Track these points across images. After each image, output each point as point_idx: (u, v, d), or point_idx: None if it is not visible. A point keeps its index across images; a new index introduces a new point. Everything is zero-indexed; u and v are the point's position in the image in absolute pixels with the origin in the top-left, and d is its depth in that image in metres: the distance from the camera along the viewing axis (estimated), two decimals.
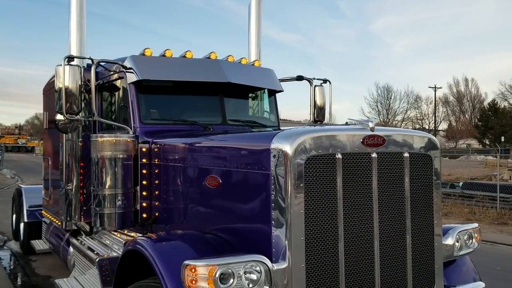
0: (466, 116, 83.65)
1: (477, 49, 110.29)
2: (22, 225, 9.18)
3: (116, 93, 5.27)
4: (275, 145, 3.00)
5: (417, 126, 78.87)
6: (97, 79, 5.21)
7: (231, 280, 2.76)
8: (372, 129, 3.21)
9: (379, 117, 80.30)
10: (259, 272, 2.81)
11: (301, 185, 2.93)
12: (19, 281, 7.30)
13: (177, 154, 4.25)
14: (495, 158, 35.82)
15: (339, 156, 3.06)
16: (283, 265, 2.88)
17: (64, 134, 5.65)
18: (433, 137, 3.63)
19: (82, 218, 5.63)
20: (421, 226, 3.44)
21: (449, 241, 3.74)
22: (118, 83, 5.16)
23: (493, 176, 25.56)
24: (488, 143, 54.89)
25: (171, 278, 2.91)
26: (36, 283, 7.26)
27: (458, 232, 3.82)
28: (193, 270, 2.74)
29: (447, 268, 3.75)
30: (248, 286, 2.79)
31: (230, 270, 2.76)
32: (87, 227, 5.73)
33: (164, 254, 3.14)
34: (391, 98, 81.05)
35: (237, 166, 3.38)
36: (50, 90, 6.58)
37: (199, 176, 3.86)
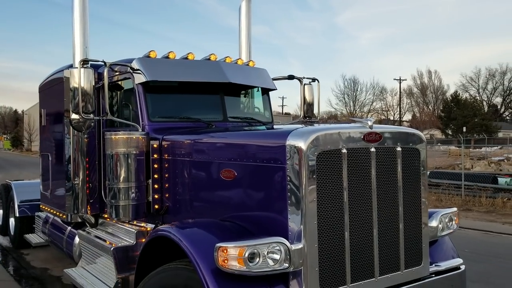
0: (430, 107, 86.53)
1: (440, 41, 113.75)
2: (12, 220, 9.33)
3: (122, 93, 5.58)
4: (290, 141, 3.45)
5: (383, 117, 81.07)
6: (100, 79, 5.53)
7: (257, 259, 3.20)
8: (371, 127, 3.70)
9: (346, 109, 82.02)
10: (280, 252, 3.26)
11: (314, 176, 3.40)
12: (17, 274, 7.51)
13: (189, 149, 4.64)
14: (458, 148, 37.48)
15: (344, 150, 3.54)
16: (299, 245, 3.34)
17: (68, 131, 5.94)
18: (420, 133, 4.16)
19: (89, 211, 5.94)
20: (411, 210, 3.97)
21: (434, 223, 4.29)
22: (124, 83, 5.48)
23: (457, 165, 26.85)
24: (450, 133, 57.02)
25: (203, 259, 3.32)
26: (35, 275, 7.50)
27: (441, 216, 4.38)
28: (225, 251, 3.17)
29: (431, 247, 4.28)
30: (271, 264, 3.24)
31: (256, 251, 3.20)
32: (93, 219, 6.04)
33: (193, 239, 3.55)
34: (357, 90, 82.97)
35: (253, 160, 3.81)
36: (49, 88, 6.80)
37: (214, 169, 4.26)
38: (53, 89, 6.56)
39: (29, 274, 7.54)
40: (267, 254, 3.23)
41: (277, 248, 3.26)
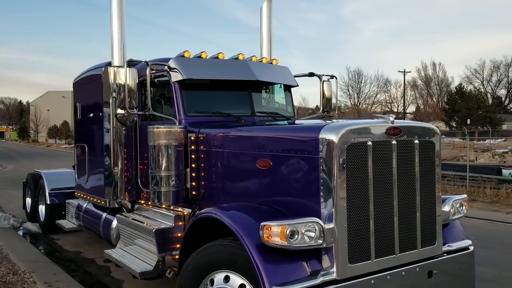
0: (434, 99, 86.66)
1: (444, 33, 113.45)
2: (43, 207, 9.90)
3: (158, 89, 6.06)
4: (323, 135, 3.95)
5: (386, 109, 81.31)
6: (139, 77, 6.02)
7: (296, 236, 3.72)
8: (392, 122, 4.19)
9: (350, 101, 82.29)
10: (315, 230, 3.77)
11: (344, 166, 3.90)
12: (53, 256, 8.07)
13: (225, 141, 5.16)
14: (462, 140, 37.88)
15: (369, 143, 4.04)
16: (331, 225, 3.85)
17: (107, 124, 6.47)
18: (435, 127, 4.65)
19: (127, 197, 6.47)
20: (426, 196, 4.46)
21: (446, 208, 4.80)
22: (161, 80, 5.96)
23: (461, 157, 27.31)
24: (454, 125, 57.24)
25: (248, 235, 3.84)
26: (69, 257, 8.07)
27: (453, 201, 4.89)
28: (269, 229, 3.68)
29: (443, 230, 4.78)
30: (308, 240, 3.75)
31: (295, 229, 3.71)
32: (129, 205, 6.58)
33: (237, 219, 4.07)
34: (361, 82, 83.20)
35: (288, 151, 4.32)
36: (86, 83, 7.32)
37: (250, 159, 4.77)
38: (90, 85, 7.07)
39: (63, 257, 8.11)
40: (304, 232, 3.75)
41: (313, 227, 3.77)
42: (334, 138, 3.89)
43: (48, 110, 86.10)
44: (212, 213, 4.28)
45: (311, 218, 3.83)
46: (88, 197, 7.36)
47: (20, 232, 10.14)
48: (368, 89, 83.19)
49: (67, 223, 8.82)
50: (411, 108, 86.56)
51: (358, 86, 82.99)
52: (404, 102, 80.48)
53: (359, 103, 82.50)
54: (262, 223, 3.72)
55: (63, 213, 9.37)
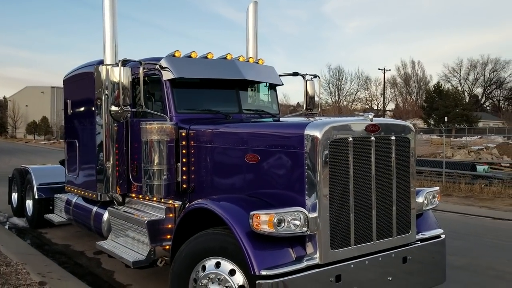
0: (413, 97, 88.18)
1: (424, 32, 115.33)
2: (30, 202, 10.04)
3: (150, 87, 6.30)
4: (308, 131, 4.28)
5: (367, 107, 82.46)
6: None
7: (283, 224, 4.05)
8: (371, 120, 4.55)
9: (331, 98, 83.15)
10: (300, 219, 4.11)
11: (327, 160, 4.24)
12: (43, 249, 8.24)
13: (215, 137, 5.46)
14: (439, 137, 38.79)
15: (350, 139, 4.39)
16: (314, 214, 4.20)
17: (99, 120, 6.70)
18: (410, 125, 5.03)
19: (118, 191, 6.72)
20: (402, 188, 4.84)
21: (420, 199, 5.19)
22: (152, 79, 6.20)
23: (438, 154, 28.05)
24: (432, 123, 58.45)
25: (238, 224, 4.15)
26: (59, 250, 8.26)
27: (426, 193, 5.28)
28: (258, 217, 4.00)
29: (417, 219, 5.16)
30: (293, 228, 4.09)
31: (282, 217, 4.04)
32: (120, 198, 6.83)
33: (228, 209, 4.38)
34: (342, 80, 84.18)
35: (275, 146, 4.65)
36: (77, 81, 7.52)
37: (239, 154, 5.08)
38: (82, 82, 7.28)
39: (53, 250, 8.29)
40: (290, 220, 4.08)
41: (298, 215, 4.11)
42: (318, 134, 4.23)
43: (26, 105, 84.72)
44: (205, 204, 4.58)
45: (297, 207, 4.17)
46: (79, 191, 7.57)
47: (7, 227, 10.25)
48: (349, 86, 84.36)
49: (56, 217, 8.99)
50: (391, 106, 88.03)
51: (339, 83, 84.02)
52: (384, 100, 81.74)
53: (340, 101, 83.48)
54: (252, 212, 4.04)
55: (51, 207, 9.54)
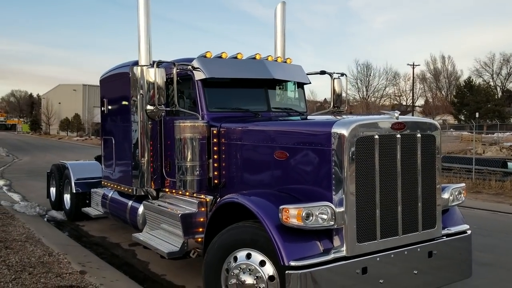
0: (443, 92, 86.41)
1: (453, 25, 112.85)
2: (67, 196, 10.52)
3: (180, 87, 6.56)
4: (335, 129, 4.46)
5: (395, 103, 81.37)
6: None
7: (311, 218, 4.25)
8: (397, 118, 4.69)
9: (358, 94, 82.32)
10: (327, 213, 4.30)
11: (353, 157, 4.41)
12: (81, 241, 8.67)
13: (245, 135, 5.69)
14: (470, 134, 38.12)
15: (376, 136, 4.54)
16: (341, 209, 4.38)
17: (134, 118, 7.03)
18: (436, 122, 5.15)
19: (152, 186, 7.05)
20: (428, 185, 4.96)
21: (446, 195, 5.30)
22: (184, 79, 6.47)
23: (468, 150, 27.64)
24: (463, 118, 57.35)
25: (268, 217, 4.37)
26: (96, 241, 8.67)
27: (452, 189, 5.38)
28: (287, 211, 4.21)
29: (443, 215, 5.28)
30: (321, 221, 4.28)
31: (310, 211, 4.24)
32: (155, 193, 7.15)
33: (258, 203, 4.61)
34: (370, 75, 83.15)
35: (303, 144, 4.84)
36: (113, 81, 7.87)
37: (268, 151, 5.30)
38: (117, 82, 7.62)
39: (90, 241, 8.71)
40: (318, 214, 4.28)
41: (325, 210, 4.30)
42: (345, 132, 4.41)
43: (59, 103, 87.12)
44: (236, 199, 4.82)
45: (324, 202, 4.37)
46: (116, 186, 7.94)
47: (46, 219, 10.76)
48: (377, 82, 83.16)
49: (93, 210, 9.43)
50: (420, 102, 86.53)
51: (367, 79, 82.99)
52: (413, 96, 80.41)
53: (368, 97, 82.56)
54: (281, 206, 4.25)
55: (87, 201, 9.99)
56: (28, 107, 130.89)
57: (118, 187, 7.81)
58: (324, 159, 4.57)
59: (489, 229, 9.43)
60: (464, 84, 63.31)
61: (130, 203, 7.61)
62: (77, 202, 10.04)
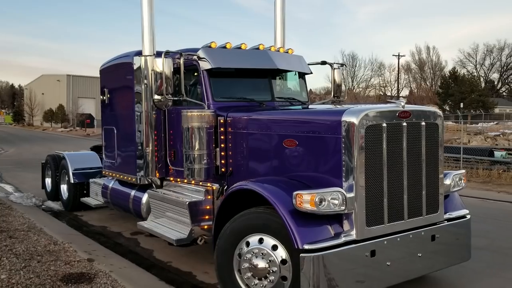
0: (427, 83, 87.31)
1: (438, 16, 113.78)
2: (64, 186, 10.54)
3: (185, 76, 6.63)
4: (345, 118, 4.61)
5: (380, 93, 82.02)
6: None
7: (324, 203, 4.40)
8: (403, 107, 4.85)
9: (344, 85, 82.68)
10: (339, 198, 4.46)
11: (363, 144, 4.57)
12: (82, 230, 8.72)
13: (253, 123, 5.81)
14: (455, 123, 38.74)
15: (384, 125, 4.70)
16: (352, 194, 4.54)
17: (139, 108, 7.09)
18: (439, 111, 5.33)
19: (157, 174, 7.13)
20: (431, 171, 5.16)
21: (447, 181, 5.51)
22: (189, 68, 6.54)
23: (454, 140, 28.13)
24: (448, 109, 58.11)
25: (281, 203, 4.51)
26: (97, 231, 8.74)
27: (453, 175, 5.60)
28: (301, 197, 4.36)
29: (445, 200, 5.48)
30: (333, 206, 4.44)
31: (323, 197, 4.40)
32: (159, 182, 7.24)
33: (271, 189, 4.74)
34: (356, 66, 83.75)
35: (313, 132, 4.98)
36: (115, 70, 7.90)
37: (277, 140, 5.43)
38: (119, 72, 7.65)
39: (91, 231, 8.77)
40: (330, 199, 4.44)
41: (337, 195, 4.46)
42: (355, 120, 4.56)
43: (42, 93, 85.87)
44: (247, 186, 4.95)
45: (336, 188, 4.53)
46: (118, 175, 7.99)
47: (43, 210, 10.76)
48: (363, 73, 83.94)
49: (93, 200, 9.47)
50: (405, 92, 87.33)
51: (353, 70, 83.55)
52: (398, 86, 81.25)
53: (353, 87, 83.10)
54: (295, 192, 4.40)
55: (85, 191, 10.02)
56: (10, 98, 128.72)
57: (121, 176, 7.87)
58: (334, 147, 4.72)
59: (480, 216, 9.70)
60: (448, 74, 64.05)
61: (133, 192, 7.68)
62: (75, 193, 10.05)
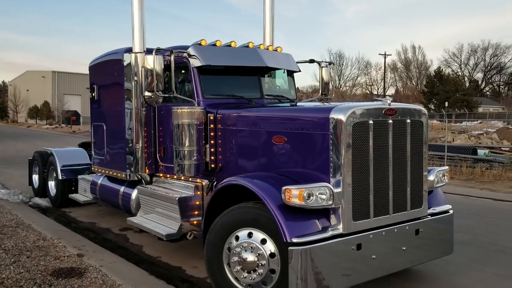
0: (413, 82, 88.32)
1: (424, 16, 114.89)
2: (52, 183, 10.53)
3: (175, 74, 6.68)
4: (333, 115, 4.73)
5: (367, 92, 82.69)
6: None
7: (312, 197, 4.52)
8: (389, 105, 4.99)
9: (331, 83, 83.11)
10: (326, 193, 4.58)
11: (350, 141, 4.69)
12: (70, 227, 8.73)
13: (242, 120, 5.91)
14: (439, 122, 39.27)
15: (371, 122, 4.83)
16: (339, 189, 4.67)
17: (129, 104, 7.13)
18: (424, 109, 5.48)
19: (146, 171, 7.19)
20: (416, 168, 5.30)
21: (431, 177, 5.66)
22: (179, 66, 6.60)
23: (439, 138, 28.54)
24: (433, 108, 58.79)
25: (270, 198, 4.62)
26: (85, 227, 8.76)
27: (436, 172, 5.76)
28: (289, 192, 4.47)
29: (428, 196, 5.64)
30: (320, 201, 4.56)
31: (311, 191, 4.51)
32: (148, 178, 7.30)
33: (260, 185, 4.84)
34: (343, 65, 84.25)
35: (301, 129, 5.10)
36: (104, 67, 7.92)
37: (266, 136, 5.53)
38: (109, 69, 7.68)
39: (80, 227, 8.79)
40: (318, 194, 4.56)
41: (325, 190, 4.58)
42: (342, 117, 4.68)
43: (27, 90, 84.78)
44: (237, 181, 5.05)
45: (323, 183, 4.65)
46: (108, 172, 8.02)
47: (30, 207, 10.72)
48: (349, 71, 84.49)
49: (81, 196, 9.48)
50: (391, 91, 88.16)
51: (340, 68, 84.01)
52: (384, 85, 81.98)
53: (340, 86, 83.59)
54: (284, 187, 4.51)
55: (73, 188, 10.03)
56: None
57: (111, 172, 7.90)
58: (322, 143, 4.84)
59: (463, 212, 9.93)
60: (434, 74, 64.76)
61: (122, 188, 7.72)
62: (63, 189, 10.06)
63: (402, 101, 66.59)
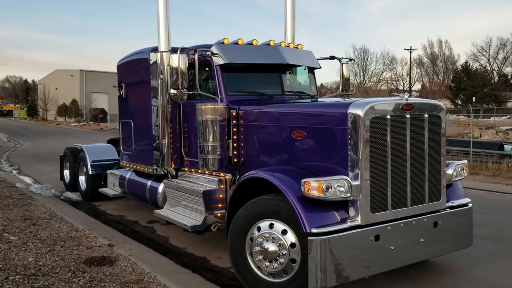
0: (440, 77, 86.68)
1: (451, 9, 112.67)
2: (83, 177, 10.95)
3: (199, 71, 6.92)
4: (351, 110, 4.89)
5: (392, 87, 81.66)
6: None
7: (330, 190, 4.70)
8: (407, 100, 5.11)
9: (356, 79, 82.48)
10: (344, 186, 4.75)
11: (368, 136, 4.84)
12: (100, 219, 9.11)
13: (263, 116, 6.11)
14: (466, 118, 38.63)
15: (388, 116, 4.97)
16: (357, 182, 4.83)
17: (155, 102, 7.42)
18: (442, 104, 5.58)
19: (172, 165, 7.48)
20: (434, 161, 5.41)
21: (450, 171, 5.76)
22: (202, 64, 6.84)
23: (465, 134, 28.16)
24: (460, 103, 57.75)
25: (290, 190, 4.81)
26: (114, 220, 9.12)
27: (455, 165, 5.85)
28: (308, 184, 4.66)
29: (447, 189, 5.73)
30: (339, 193, 4.73)
31: (329, 184, 4.69)
32: (174, 172, 7.59)
33: (281, 178, 5.05)
34: (367, 60, 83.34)
35: (320, 124, 5.27)
36: (132, 66, 8.25)
37: (286, 131, 5.73)
38: (136, 67, 7.99)
39: (109, 219, 9.16)
40: (336, 187, 4.73)
41: (343, 183, 4.75)
42: (360, 112, 4.84)
43: (56, 88, 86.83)
44: (257, 174, 5.26)
45: (342, 176, 4.82)
46: (136, 166, 8.35)
47: (62, 200, 11.18)
48: (374, 67, 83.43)
49: (110, 190, 9.85)
50: (417, 86, 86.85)
51: (364, 64, 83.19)
52: (410, 80, 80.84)
53: (365, 81, 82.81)
54: (303, 180, 4.70)
55: (103, 182, 10.42)
56: (23, 93, 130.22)
57: (138, 167, 8.22)
58: (341, 138, 5.01)
59: (486, 207, 9.94)
60: (461, 68, 63.52)
61: (149, 182, 8.03)
62: (93, 183, 10.45)
63: (428, 96, 65.79)
